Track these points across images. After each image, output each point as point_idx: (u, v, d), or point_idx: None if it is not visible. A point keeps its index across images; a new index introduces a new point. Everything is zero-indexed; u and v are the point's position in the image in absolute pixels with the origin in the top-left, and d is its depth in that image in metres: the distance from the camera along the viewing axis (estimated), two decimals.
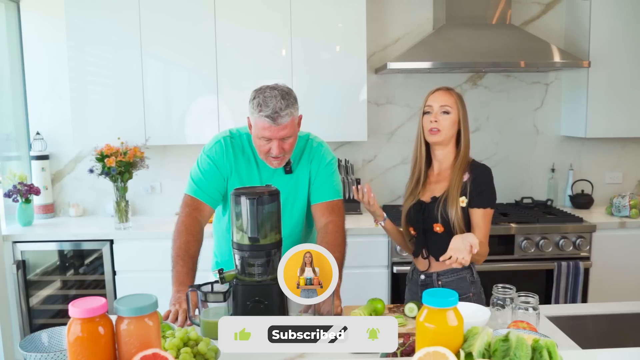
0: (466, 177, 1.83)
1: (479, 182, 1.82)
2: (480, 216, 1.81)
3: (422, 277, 1.90)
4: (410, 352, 1.25)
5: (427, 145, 1.90)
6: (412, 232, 1.93)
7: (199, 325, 1.57)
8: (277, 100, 1.70)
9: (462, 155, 1.85)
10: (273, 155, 1.76)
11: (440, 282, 1.86)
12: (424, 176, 1.91)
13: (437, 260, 1.85)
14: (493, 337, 1.12)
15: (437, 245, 1.85)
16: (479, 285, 1.90)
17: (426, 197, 1.89)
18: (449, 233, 1.81)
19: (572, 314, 1.76)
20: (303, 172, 1.90)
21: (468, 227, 1.83)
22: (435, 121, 1.82)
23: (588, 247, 3.01)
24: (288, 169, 1.87)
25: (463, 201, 1.81)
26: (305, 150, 1.92)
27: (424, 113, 1.87)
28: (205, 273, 1.95)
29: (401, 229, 2.01)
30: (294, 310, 1.57)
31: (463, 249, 1.60)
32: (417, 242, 1.92)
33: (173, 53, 3.07)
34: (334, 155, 1.97)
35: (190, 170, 1.92)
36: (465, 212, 1.82)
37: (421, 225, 1.87)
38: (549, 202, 3.43)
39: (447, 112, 1.82)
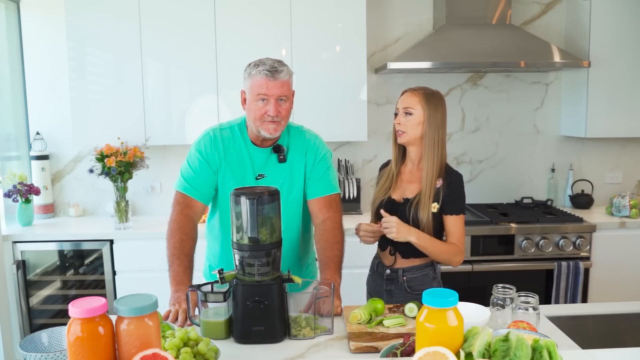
0: (439, 183, 1.85)
1: (452, 189, 1.85)
2: (454, 222, 1.86)
3: (388, 271, 1.95)
4: (410, 352, 1.25)
5: (402, 146, 1.93)
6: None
7: (199, 325, 1.57)
8: (273, 60, 1.76)
9: (429, 156, 1.82)
10: (270, 115, 1.73)
11: (405, 278, 1.91)
12: (396, 173, 1.95)
13: (403, 258, 1.91)
14: (493, 337, 1.12)
15: (404, 245, 1.88)
16: (440, 282, 1.96)
17: (397, 196, 1.92)
18: None
19: (572, 314, 1.76)
20: (298, 163, 1.88)
21: (437, 231, 1.87)
22: (399, 123, 1.86)
23: (588, 247, 3.01)
24: (282, 157, 1.85)
25: (435, 207, 1.84)
26: (300, 140, 1.90)
27: (395, 115, 1.90)
28: (199, 273, 1.94)
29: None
30: (295, 311, 1.57)
31: (401, 231, 1.78)
32: (384, 237, 1.94)
33: (173, 53, 3.07)
34: (328, 148, 1.96)
35: (180, 167, 1.92)
36: (436, 217, 1.85)
37: None
38: (549, 202, 3.43)
39: (409, 113, 1.84)
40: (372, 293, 2.05)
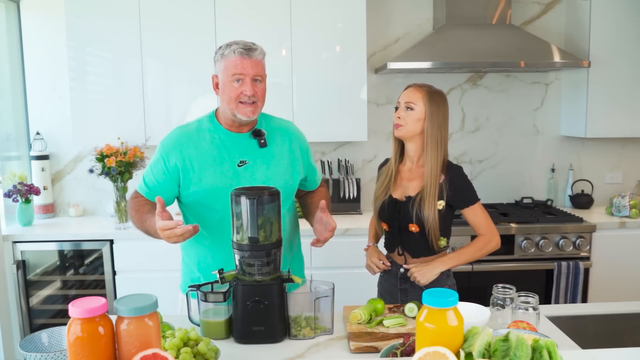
0: (441, 178, 1.84)
1: (457, 184, 1.85)
2: (473, 212, 1.88)
3: (402, 270, 1.94)
4: (410, 352, 1.25)
5: (401, 142, 1.93)
6: (385, 227, 1.96)
7: (199, 325, 1.57)
8: (246, 41, 1.74)
9: (431, 155, 1.82)
10: (247, 95, 1.69)
11: None
12: (395, 170, 1.95)
13: (413, 257, 1.91)
14: (493, 337, 1.12)
15: (411, 244, 1.90)
16: (453, 278, 1.96)
17: (399, 194, 1.91)
18: (423, 233, 1.85)
19: (572, 314, 1.76)
20: (280, 147, 1.82)
21: (444, 229, 1.87)
22: (399, 117, 1.86)
23: (588, 247, 3.01)
24: (263, 141, 1.78)
25: (440, 204, 1.83)
26: (276, 125, 1.87)
27: (395, 109, 1.90)
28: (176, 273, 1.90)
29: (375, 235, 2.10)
30: (295, 311, 1.57)
31: (426, 273, 1.83)
32: (391, 238, 1.96)
33: (173, 53, 3.07)
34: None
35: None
36: (441, 214, 1.84)
37: (396, 224, 1.91)
38: (549, 202, 3.43)
39: (410, 108, 1.84)
40: (384, 294, 2.03)
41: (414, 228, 1.86)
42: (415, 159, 1.91)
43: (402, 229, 1.90)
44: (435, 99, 1.84)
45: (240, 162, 1.77)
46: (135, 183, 3.24)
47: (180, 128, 1.83)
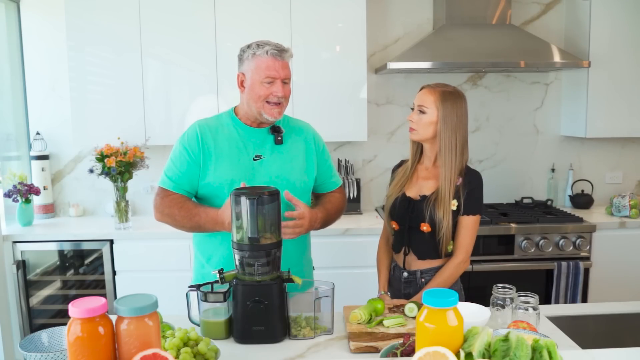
0: (459, 181, 1.81)
1: (472, 188, 1.82)
2: (467, 224, 1.82)
3: (405, 274, 1.91)
4: (410, 352, 1.25)
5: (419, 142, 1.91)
6: (395, 226, 1.92)
7: (199, 325, 1.57)
8: (276, 42, 1.76)
9: (446, 160, 1.78)
10: (277, 96, 1.73)
11: (423, 280, 1.88)
12: (412, 170, 1.92)
13: (420, 259, 1.87)
14: (493, 337, 1.12)
15: (420, 244, 1.86)
16: (459, 282, 1.94)
17: (413, 193, 1.88)
18: (433, 234, 1.82)
19: (572, 314, 1.76)
20: (296, 146, 1.86)
21: (453, 232, 1.84)
22: (412, 120, 1.84)
23: (588, 247, 3.01)
24: (279, 138, 1.82)
25: (454, 204, 1.80)
26: (292, 124, 1.91)
27: (412, 110, 1.88)
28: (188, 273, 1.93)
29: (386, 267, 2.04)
30: (295, 311, 1.57)
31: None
32: (399, 238, 1.92)
33: (173, 53, 3.07)
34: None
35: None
36: (455, 215, 1.82)
37: (407, 222, 1.87)
38: (549, 202, 3.43)
39: (422, 112, 1.81)
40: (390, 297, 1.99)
41: (425, 228, 1.82)
42: (433, 158, 1.87)
43: (412, 228, 1.86)
44: (450, 99, 1.78)
45: (256, 156, 1.81)
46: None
47: (199, 121, 1.88)
